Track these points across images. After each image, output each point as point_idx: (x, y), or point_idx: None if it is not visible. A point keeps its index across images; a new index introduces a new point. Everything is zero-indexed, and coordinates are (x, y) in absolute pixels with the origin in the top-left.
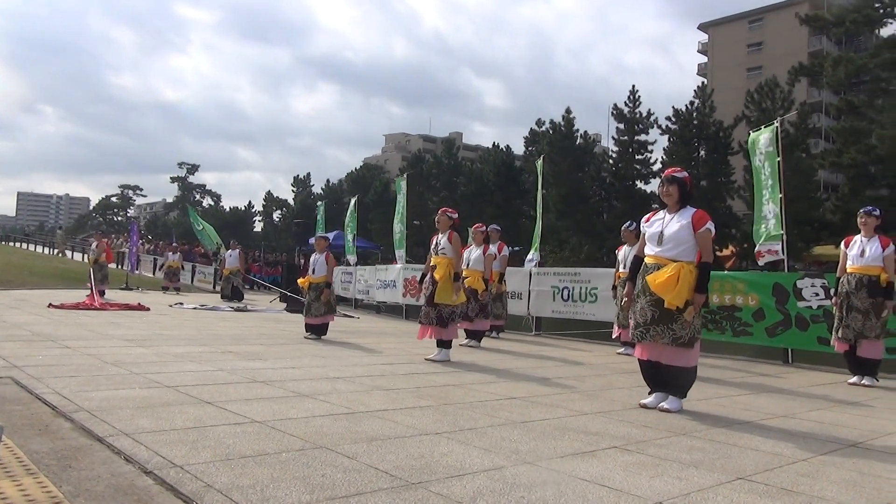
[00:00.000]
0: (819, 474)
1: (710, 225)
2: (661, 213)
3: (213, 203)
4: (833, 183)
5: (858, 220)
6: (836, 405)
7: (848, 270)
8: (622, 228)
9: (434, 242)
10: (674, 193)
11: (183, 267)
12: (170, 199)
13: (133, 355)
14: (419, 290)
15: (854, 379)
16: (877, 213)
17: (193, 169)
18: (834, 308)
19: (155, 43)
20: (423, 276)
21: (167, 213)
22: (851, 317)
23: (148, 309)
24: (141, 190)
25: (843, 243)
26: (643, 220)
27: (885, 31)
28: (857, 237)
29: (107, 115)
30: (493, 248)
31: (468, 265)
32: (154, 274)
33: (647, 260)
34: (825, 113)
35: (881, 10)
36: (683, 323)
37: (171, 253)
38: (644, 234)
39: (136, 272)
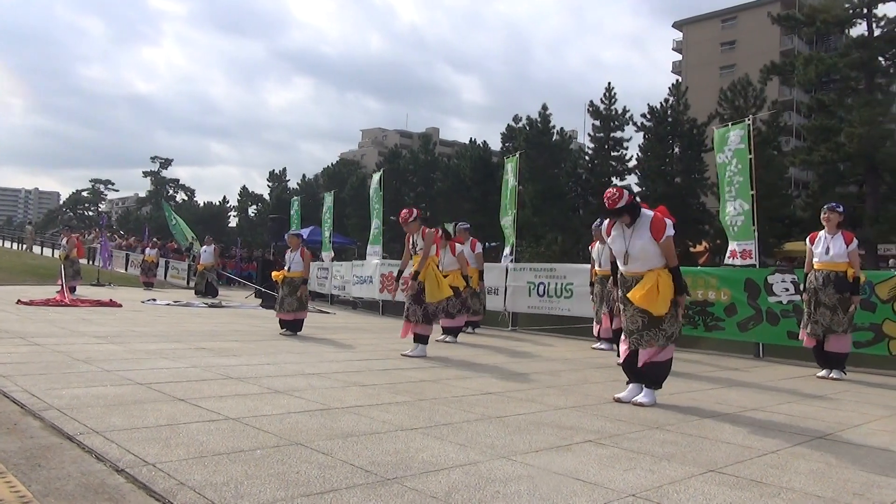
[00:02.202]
0: (788, 466)
1: (670, 229)
2: (618, 228)
3: (186, 198)
4: (804, 180)
5: (822, 216)
6: (805, 398)
7: (815, 267)
8: (592, 227)
9: (410, 242)
10: (627, 218)
11: (158, 263)
12: (142, 194)
13: (104, 352)
14: (394, 288)
15: (822, 373)
16: (840, 209)
17: (167, 163)
18: (803, 304)
19: (126, 34)
20: (400, 272)
21: (139, 208)
22: (820, 312)
23: (120, 305)
24: (112, 184)
25: (808, 240)
26: (604, 230)
27: (855, 32)
28: (821, 233)
29: (76, 108)
30: (465, 248)
31: (442, 267)
32: (126, 270)
33: (622, 272)
34: (796, 111)
35: (850, 11)
36: (672, 320)
37: (149, 248)
38: (609, 246)
39: (109, 268)
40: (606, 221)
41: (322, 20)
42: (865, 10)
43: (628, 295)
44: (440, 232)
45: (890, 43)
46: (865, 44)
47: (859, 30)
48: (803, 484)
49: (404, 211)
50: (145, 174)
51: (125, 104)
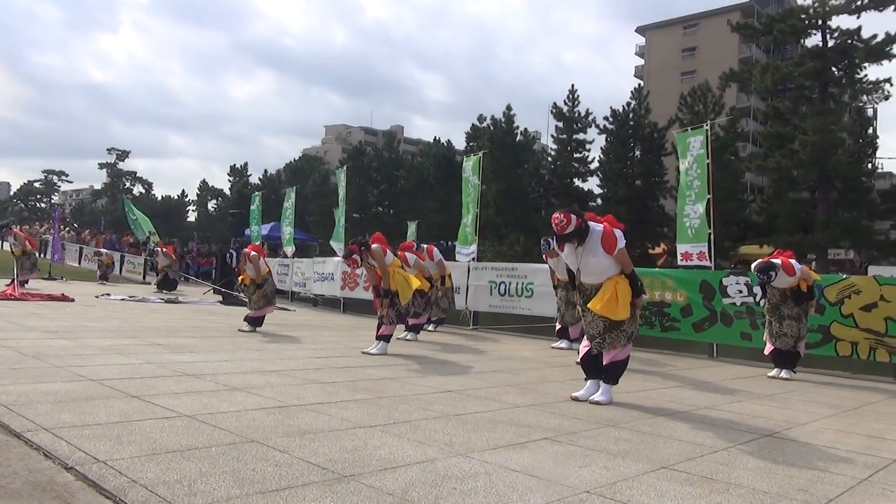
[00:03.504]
0: (737, 462)
1: (620, 242)
2: (569, 248)
3: (144, 191)
4: (759, 185)
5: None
6: (756, 397)
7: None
8: (541, 247)
9: (366, 266)
10: (576, 241)
11: (113, 263)
12: (98, 186)
13: (55, 347)
14: (377, 303)
15: (773, 372)
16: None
17: (123, 155)
18: (766, 317)
19: (82, 21)
20: (375, 287)
21: (94, 201)
22: (787, 324)
23: (72, 300)
24: (66, 176)
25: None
26: (556, 248)
27: (810, 42)
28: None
29: (28, 96)
30: (421, 259)
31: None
32: (80, 263)
33: (581, 280)
34: (753, 118)
35: (806, 22)
36: (630, 321)
37: (105, 250)
38: (564, 261)
39: (61, 261)
40: (555, 242)
41: (286, 12)
42: (820, 22)
43: (589, 305)
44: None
45: (843, 54)
46: (820, 54)
47: (814, 40)
48: (751, 480)
49: (351, 258)
50: (101, 166)
51: (80, 92)
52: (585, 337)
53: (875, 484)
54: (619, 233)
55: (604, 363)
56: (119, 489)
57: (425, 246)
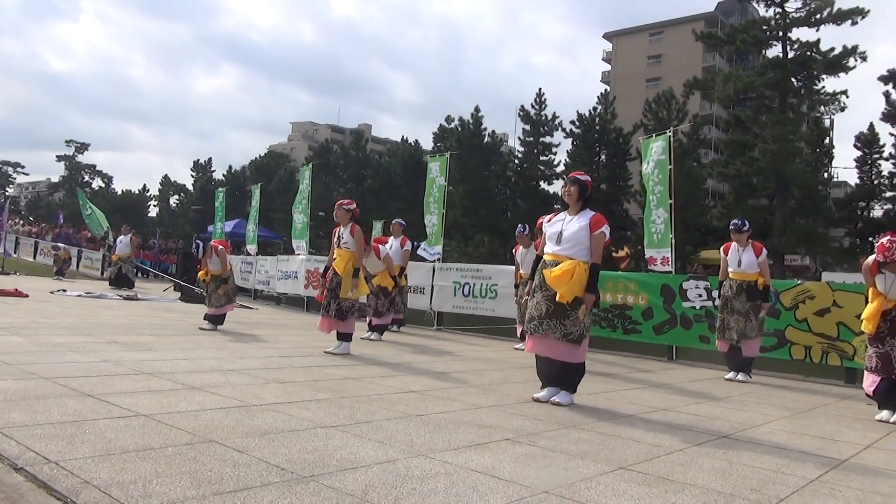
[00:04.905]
0: (693, 463)
1: (606, 229)
2: (561, 214)
3: (103, 185)
4: (720, 191)
5: (731, 233)
6: (713, 399)
7: (729, 276)
8: (516, 232)
9: (336, 235)
10: (574, 193)
11: (70, 258)
12: (55, 179)
13: (6, 344)
14: (323, 284)
15: (730, 375)
16: (745, 227)
17: (83, 147)
18: (718, 310)
19: (41, 8)
20: (326, 269)
21: (51, 194)
22: (734, 319)
23: (26, 295)
24: (22, 167)
25: (722, 250)
26: (546, 219)
27: (771, 53)
28: (733, 245)
29: None
30: (395, 243)
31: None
32: (35, 258)
33: (545, 257)
34: (715, 125)
35: (768, 33)
36: (574, 320)
37: (63, 244)
38: (545, 233)
39: (13, 255)
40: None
41: (253, 7)
42: (781, 34)
43: (544, 272)
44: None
45: (802, 65)
46: (780, 65)
47: (775, 51)
48: (706, 480)
49: (346, 202)
50: (59, 158)
51: (38, 81)
52: (526, 324)
53: (824, 484)
54: (607, 225)
55: (529, 348)
56: (71, 490)
57: (402, 235)
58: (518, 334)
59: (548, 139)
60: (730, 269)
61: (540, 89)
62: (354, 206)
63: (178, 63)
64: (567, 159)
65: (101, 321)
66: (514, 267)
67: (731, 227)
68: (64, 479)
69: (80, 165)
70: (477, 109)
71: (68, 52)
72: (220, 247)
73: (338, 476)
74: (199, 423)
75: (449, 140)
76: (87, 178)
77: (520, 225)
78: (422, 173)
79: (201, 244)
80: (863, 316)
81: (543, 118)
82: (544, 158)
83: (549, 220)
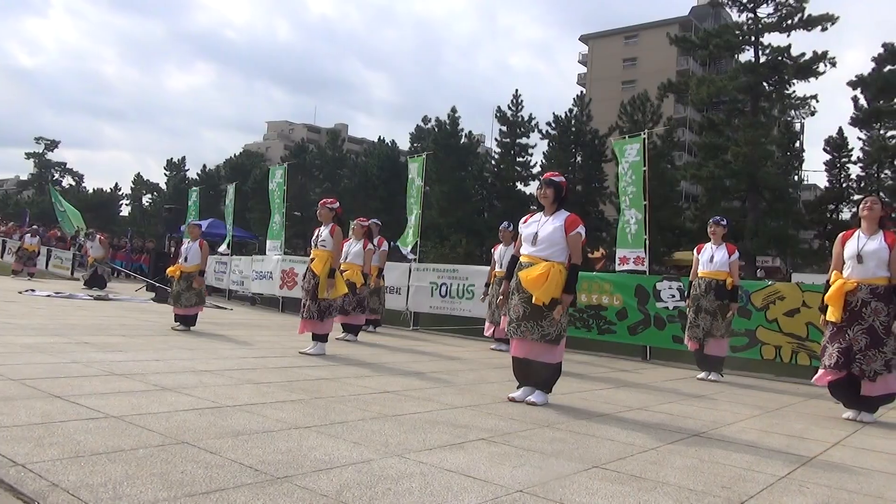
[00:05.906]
0: (665, 462)
1: (581, 229)
2: (537, 215)
3: (74, 183)
4: (693, 193)
5: (709, 229)
6: (685, 398)
7: (699, 275)
8: (500, 228)
9: (315, 234)
10: (549, 195)
11: (39, 251)
12: (24, 177)
13: None
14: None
15: (702, 374)
16: (724, 222)
17: (53, 145)
18: (687, 309)
19: (9, 2)
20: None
21: (20, 192)
22: (701, 317)
23: None
24: None
25: (695, 250)
26: (521, 221)
27: (743, 57)
28: (708, 244)
29: None
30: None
31: (346, 258)
32: (2, 258)
33: (522, 259)
34: (689, 128)
35: (740, 38)
36: (552, 321)
37: (28, 235)
38: (521, 235)
39: None
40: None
41: (228, 4)
42: (753, 38)
43: (520, 274)
44: (366, 222)
45: (773, 70)
46: (752, 69)
47: (747, 56)
48: (678, 478)
49: (329, 201)
50: (28, 155)
51: (6, 78)
52: (507, 328)
53: (793, 481)
54: (582, 225)
55: (516, 352)
56: (38, 493)
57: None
58: (487, 333)
59: (524, 140)
60: (700, 268)
61: (517, 90)
62: (338, 205)
63: (151, 60)
64: (543, 160)
65: (72, 322)
66: (489, 267)
67: (710, 221)
68: (31, 482)
69: (49, 163)
70: (454, 110)
71: (37, 48)
72: (204, 242)
73: (312, 477)
74: (172, 424)
75: (426, 140)
76: (57, 175)
77: (505, 221)
78: (398, 173)
79: (178, 237)
80: (825, 299)
81: (520, 119)
82: (521, 159)
83: (525, 222)
